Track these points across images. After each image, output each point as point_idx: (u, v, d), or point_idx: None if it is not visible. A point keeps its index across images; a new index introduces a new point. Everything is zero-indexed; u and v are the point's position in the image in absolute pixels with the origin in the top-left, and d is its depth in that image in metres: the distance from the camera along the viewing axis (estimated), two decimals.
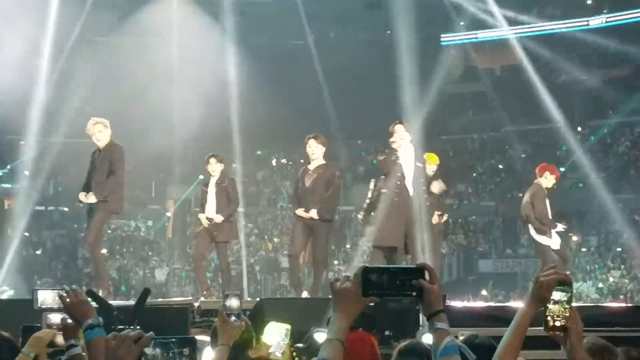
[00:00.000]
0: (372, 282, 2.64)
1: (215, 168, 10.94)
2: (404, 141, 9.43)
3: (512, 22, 33.00)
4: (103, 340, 2.76)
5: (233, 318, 4.00)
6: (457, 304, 10.29)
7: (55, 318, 4.00)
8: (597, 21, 32.27)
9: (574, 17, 32.66)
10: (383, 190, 9.55)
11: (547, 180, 11.34)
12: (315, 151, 10.22)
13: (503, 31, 33.14)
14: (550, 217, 11.17)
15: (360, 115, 30.15)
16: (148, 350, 2.56)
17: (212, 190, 10.88)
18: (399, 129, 9.45)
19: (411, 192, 9.38)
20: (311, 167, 10.26)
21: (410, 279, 2.64)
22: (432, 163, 11.28)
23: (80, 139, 31.70)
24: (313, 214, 9.88)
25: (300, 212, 10.01)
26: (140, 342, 2.55)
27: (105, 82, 27.90)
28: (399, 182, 9.38)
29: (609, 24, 31.96)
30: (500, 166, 33.06)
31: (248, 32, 29.96)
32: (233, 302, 4.04)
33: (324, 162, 10.26)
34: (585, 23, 32.33)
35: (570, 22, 32.61)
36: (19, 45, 24.13)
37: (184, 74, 27.97)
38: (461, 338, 3.52)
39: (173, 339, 2.60)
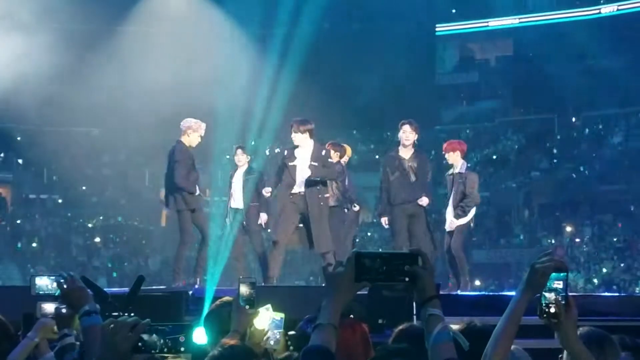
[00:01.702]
0: (365, 267, 2.63)
1: (241, 159, 11.23)
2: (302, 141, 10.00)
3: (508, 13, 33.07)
4: (99, 327, 2.76)
5: (246, 305, 3.97)
6: (449, 293, 10.30)
7: (49, 307, 4.00)
8: (608, 9, 31.96)
9: (571, 8, 32.58)
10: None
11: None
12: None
13: (506, 20, 33.11)
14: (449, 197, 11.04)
15: (353, 106, 30.15)
16: (145, 337, 2.57)
17: (238, 180, 11.09)
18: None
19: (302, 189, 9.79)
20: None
21: (404, 264, 2.63)
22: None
23: (74, 127, 31.72)
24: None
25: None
26: (137, 328, 2.55)
27: (101, 72, 27.83)
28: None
29: (620, 11, 31.67)
30: (494, 157, 33.08)
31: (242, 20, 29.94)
32: (244, 289, 4.02)
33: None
34: (597, 11, 32.05)
35: (582, 11, 32.33)
36: (17, 35, 24.07)
37: (179, 64, 27.92)
38: (455, 327, 3.52)
39: (169, 326, 2.60)
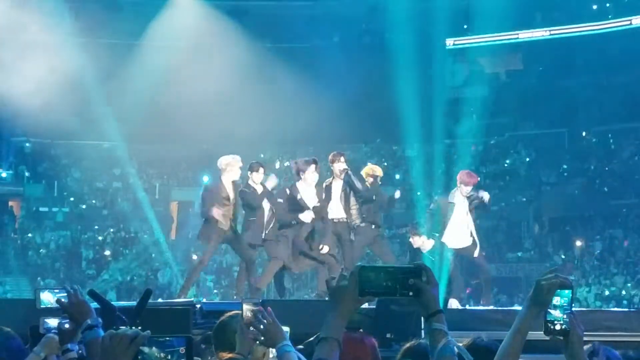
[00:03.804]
0: (369, 281, 2.63)
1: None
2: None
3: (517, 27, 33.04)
4: (100, 340, 2.77)
5: (250, 327, 3.89)
6: (459, 307, 10.29)
7: (53, 322, 4.02)
8: None
9: (578, 22, 32.50)
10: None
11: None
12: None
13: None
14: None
15: (363, 120, 30.15)
16: (145, 349, 2.57)
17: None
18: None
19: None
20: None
21: (408, 278, 2.63)
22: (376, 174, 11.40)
23: (84, 140, 31.79)
24: None
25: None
26: (136, 341, 2.55)
27: (114, 86, 27.90)
28: None
29: None
30: (504, 171, 33.01)
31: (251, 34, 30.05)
32: (247, 310, 3.93)
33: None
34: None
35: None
36: (28, 49, 24.18)
37: (191, 77, 28.00)
38: (461, 344, 3.52)
39: (169, 338, 2.60)
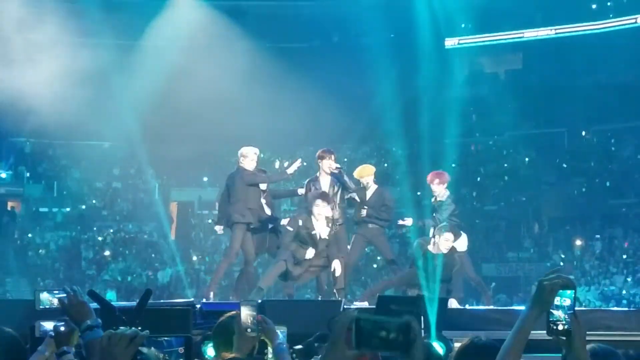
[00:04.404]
0: (365, 334, 2.45)
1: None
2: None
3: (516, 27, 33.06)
4: (99, 340, 2.76)
5: (248, 329, 3.86)
6: (458, 307, 10.27)
7: (48, 325, 4.03)
8: None
9: (579, 22, 32.51)
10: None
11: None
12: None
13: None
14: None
15: (362, 120, 30.15)
16: (144, 349, 2.56)
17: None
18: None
19: None
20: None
21: (404, 332, 2.47)
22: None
23: (84, 141, 31.74)
24: None
25: None
26: (135, 340, 2.54)
27: (113, 86, 27.86)
28: None
29: None
30: (505, 167, 33.02)
31: (251, 34, 30.04)
32: (245, 313, 3.90)
33: None
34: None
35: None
36: (29, 49, 24.17)
37: (191, 77, 27.99)
38: (457, 344, 3.50)
39: (168, 338, 2.59)
